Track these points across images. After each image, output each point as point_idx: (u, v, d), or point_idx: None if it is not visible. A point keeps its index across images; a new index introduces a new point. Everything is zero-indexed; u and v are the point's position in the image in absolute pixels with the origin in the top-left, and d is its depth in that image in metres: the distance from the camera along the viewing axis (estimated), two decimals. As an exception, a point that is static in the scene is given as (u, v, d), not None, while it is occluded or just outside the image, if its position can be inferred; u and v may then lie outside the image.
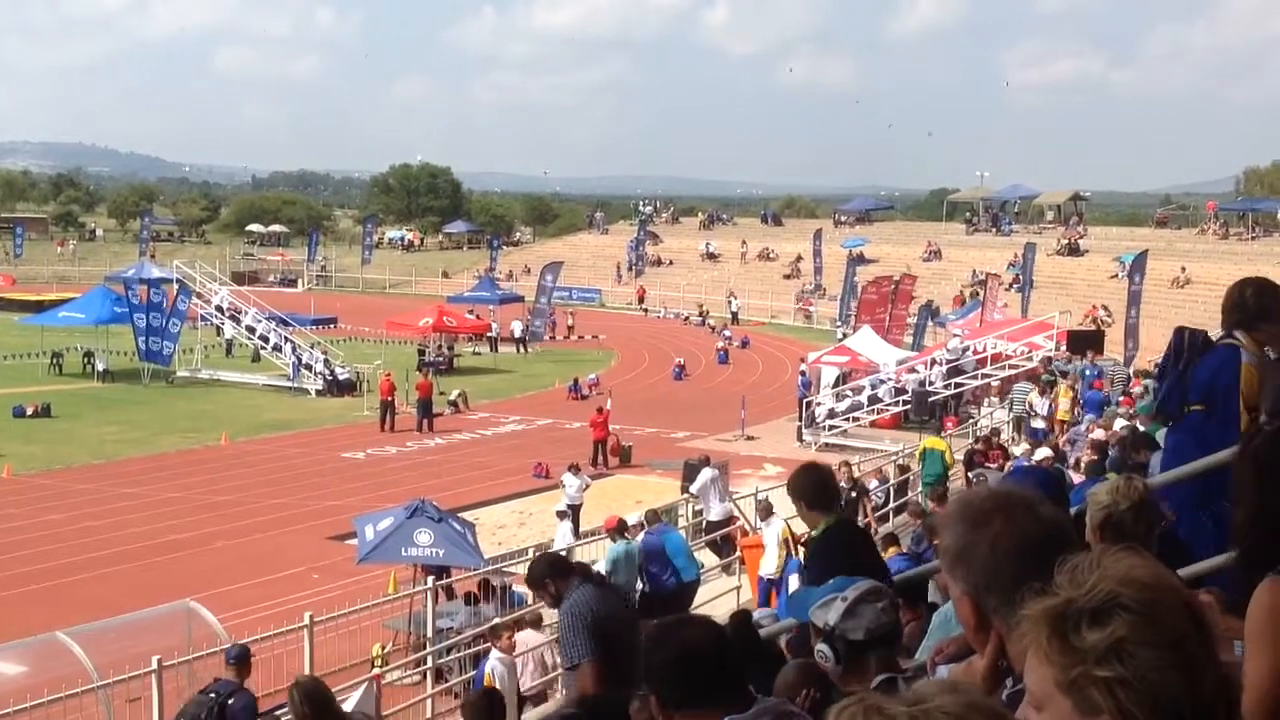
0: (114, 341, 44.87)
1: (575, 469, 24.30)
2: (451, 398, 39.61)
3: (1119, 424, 18.15)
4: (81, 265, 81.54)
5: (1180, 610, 1.52)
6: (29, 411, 36.13)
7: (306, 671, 13.32)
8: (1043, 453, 16.94)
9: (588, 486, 24.39)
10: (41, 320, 47.47)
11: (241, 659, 10.56)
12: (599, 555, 16.32)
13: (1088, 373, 28.62)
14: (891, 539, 14.73)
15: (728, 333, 58.31)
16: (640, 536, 15.97)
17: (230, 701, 9.93)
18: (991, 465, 20.55)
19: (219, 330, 50.07)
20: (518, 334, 55.12)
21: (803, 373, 38.24)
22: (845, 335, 49.37)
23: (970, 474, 20.13)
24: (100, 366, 43.83)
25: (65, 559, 22.11)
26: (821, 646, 3.21)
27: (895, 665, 3.32)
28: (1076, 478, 11.97)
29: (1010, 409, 28.61)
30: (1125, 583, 1.53)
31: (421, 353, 47.65)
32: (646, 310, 72.05)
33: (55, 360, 44.42)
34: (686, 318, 67.96)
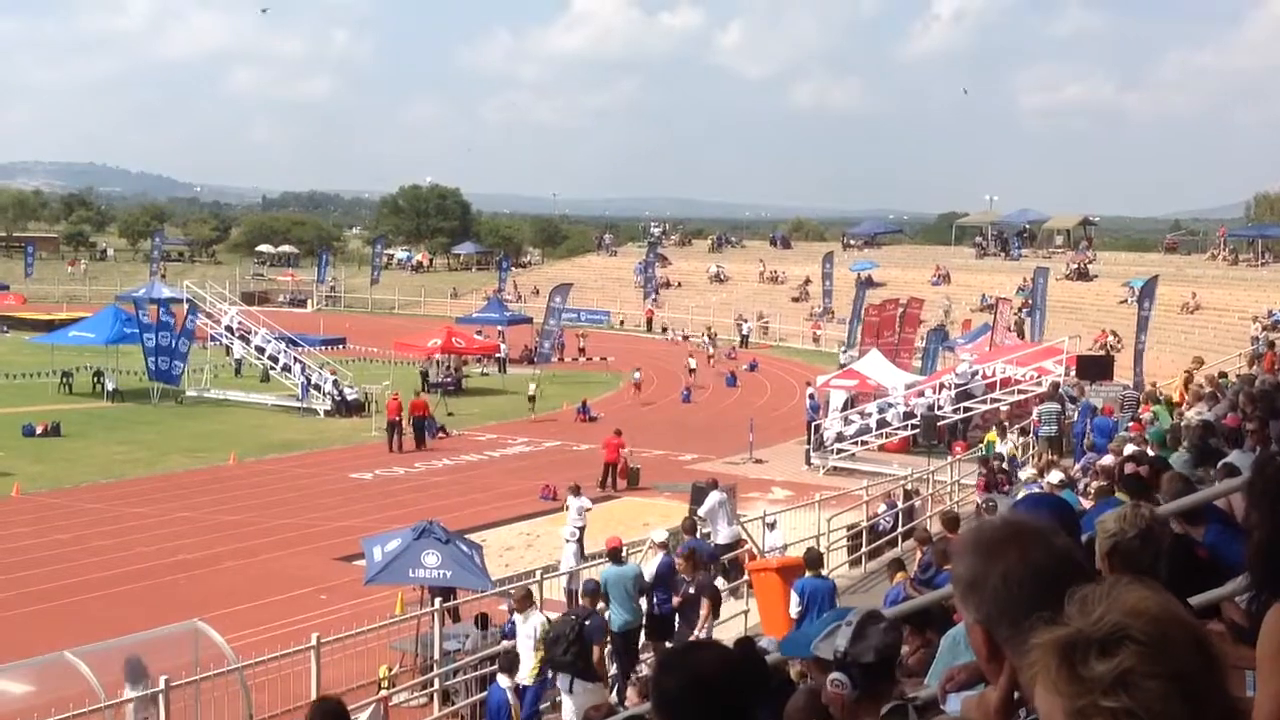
0: (124, 361, 44.95)
1: (576, 490, 24.24)
2: (447, 411, 39.95)
3: (1128, 449, 18.10)
4: (92, 285, 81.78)
5: (1189, 643, 1.53)
6: (38, 430, 36.23)
7: (313, 692, 13.33)
8: (1056, 476, 16.89)
9: (588, 509, 24.29)
10: (52, 339, 47.61)
11: (594, 593, 13.85)
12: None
13: (1076, 414, 28.25)
14: (898, 564, 14.69)
15: (729, 353, 58.42)
16: (656, 558, 15.98)
17: (588, 623, 12.95)
18: (1003, 490, 20.52)
19: (228, 350, 50.16)
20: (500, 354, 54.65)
21: (811, 395, 38.26)
22: (851, 359, 49.38)
23: (980, 499, 20.09)
24: (110, 386, 43.92)
25: (73, 578, 22.13)
26: (836, 675, 3.21)
27: (900, 688, 3.33)
28: (1086, 504, 11.94)
29: (1038, 430, 28.22)
30: (1134, 614, 1.54)
31: (425, 375, 47.71)
32: (665, 330, 71.60)
33: (65, 379, 44.52)
34: (685, 337, 67.74)
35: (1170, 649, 1.50)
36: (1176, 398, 25.24)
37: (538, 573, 17.80)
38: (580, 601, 13.59)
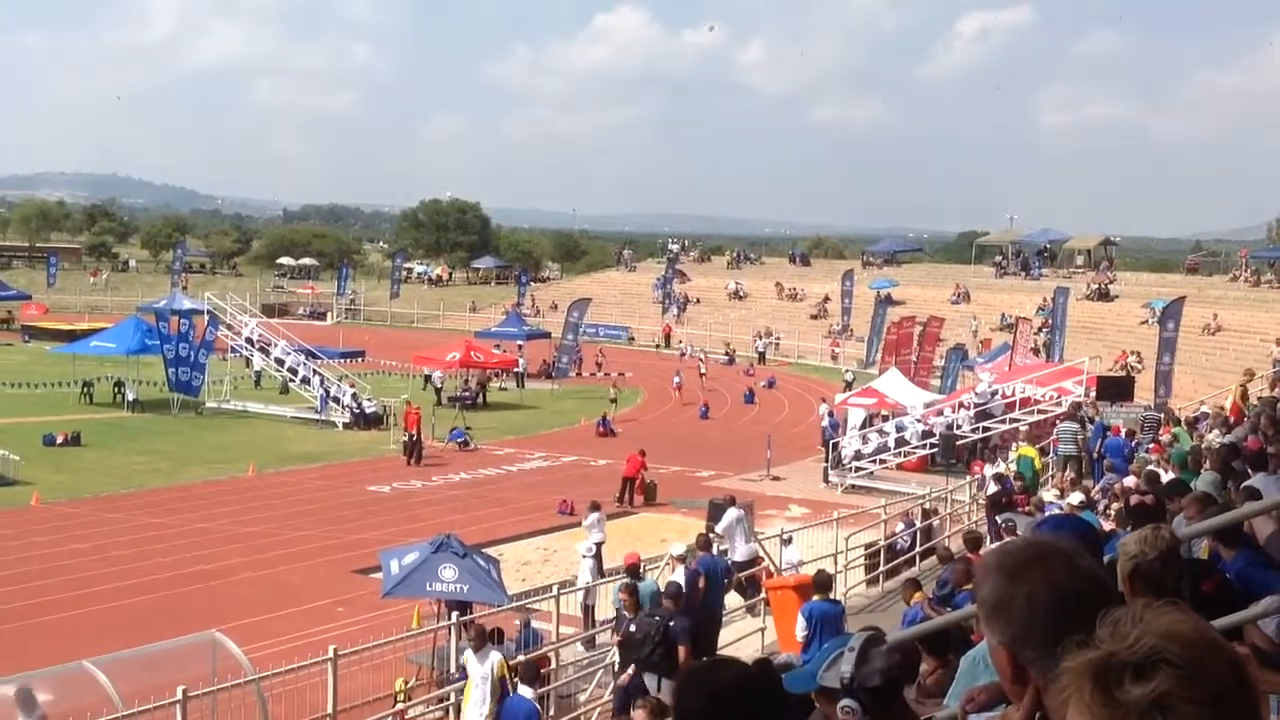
0: (144, 371, 45.17)
1: (595, 506, 24.23)
2: (465, 425, 39.94)
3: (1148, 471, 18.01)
4: (114, 295, 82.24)
5: (1224, 666, 1.52)
6: (59, 440, 36.39)
7: (330, 705, 13.34)
8: (1076, 497, 16.82)
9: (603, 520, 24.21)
10: (73, 349, 47.87)
11: (676, 595, 13.99)
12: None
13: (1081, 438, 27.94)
14: (914, 584, 14.59)
15: (747, 369, 58.81)
16: (676, 572, 15.94)
17: (672, 624, 13.19)
18: (1022, 509, 20.40)
19: (248, 362, 50.33)
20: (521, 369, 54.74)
21: (830, 414, 38.19)
22: (855, 378, 49.39)
23: (998, 518, 20.00)
24: (130, 396, 44.11)
25: (92, 587, 22.19)
26: (845, 702, 3.19)
27: (910, 711, 3.32)
28: (1107, 525, 11.89)
29: (1056, 449, 28.20)
30: (1169, 637, 1.53)
31: (438, 390, 47.71)
32: (703, 352, 71.04)
33: (86, 389, 44.73)
34: (697, 353, 67.40)
35: (1207, 673, 1.50)
36: (1229, 409, 25.24)
37: (554, 587, 17.80)
38: (664, 603, 13.83)
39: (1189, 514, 7.36)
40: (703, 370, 57.04)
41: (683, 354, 66.09)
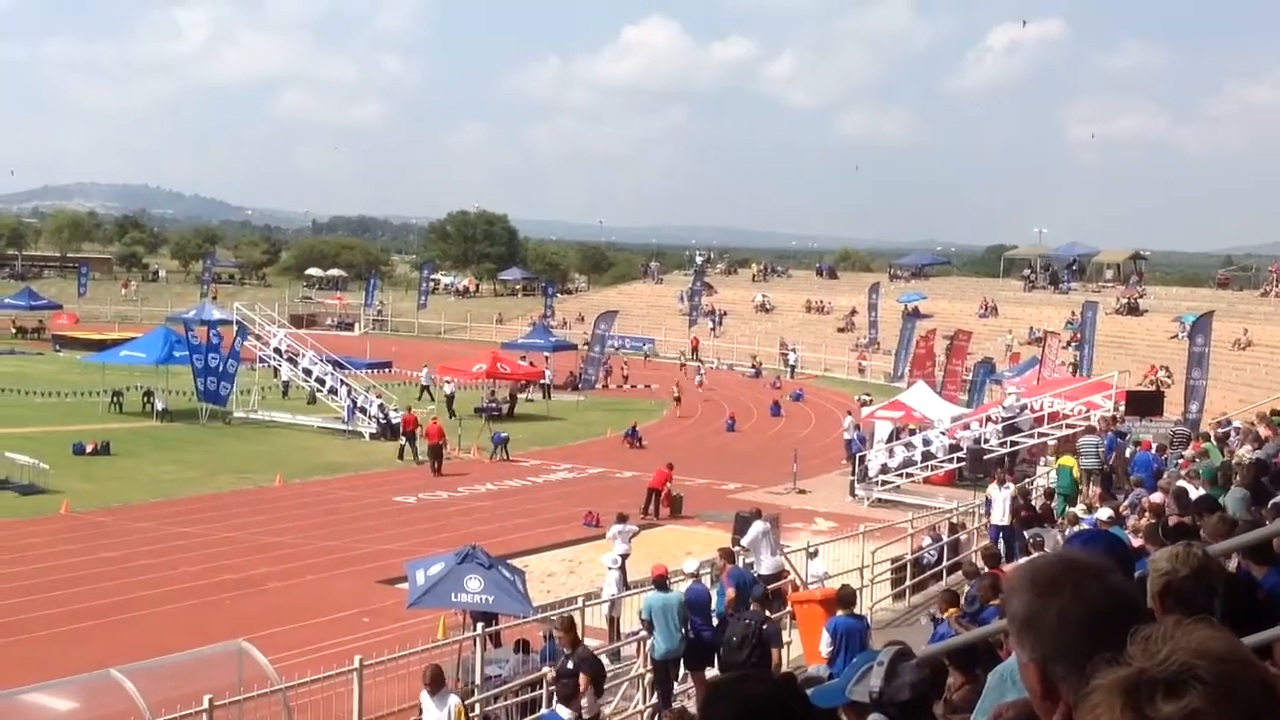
0: (173, 381, 45.40)
1: (622, 519, 24.22)
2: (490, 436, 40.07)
3: (1177, 486, 17.85)
4: (144, 305, 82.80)
5: (1255, 684, 1.51)
6: (88, 449, 36.62)
7: (356, 715, 13.36)
8: (1105, 512, 16.70)
9: (634, 533, 24.23)
10: (103, 359, 48.16)
11: (764, 598, 14.76)
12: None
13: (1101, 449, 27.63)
14: (951, 596, 14.48)
15: (700, 374, 61.67)
16: (688, 585, 15.92)
17: (764, 627, 13.58)
18: (1048, 525, 20.32)
19: (276, 372, 50.56)
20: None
21: (856, 426, 38.06)
22: (870, 400, 49.16)
23: (1027, 533, 19.90)
24: (159, 406, 44.34)
25: (120, 596, 22.33)
26: (875, 717, 3.18)
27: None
28: (1135, 541, 11.80)
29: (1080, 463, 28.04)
30: (1200, 654, 1.52)
31: (449, 398, 47.80)
32: (701, 363, 71.50)
33: (115, 399, 45.01)
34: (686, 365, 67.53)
35: (1237, 690, 1.49)
36: None
37: (580, 599, 17.79)
38: (752, 605, 14.15)
39: (1210, 533, 7.32)
40: (703, 373, 62.10)
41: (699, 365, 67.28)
